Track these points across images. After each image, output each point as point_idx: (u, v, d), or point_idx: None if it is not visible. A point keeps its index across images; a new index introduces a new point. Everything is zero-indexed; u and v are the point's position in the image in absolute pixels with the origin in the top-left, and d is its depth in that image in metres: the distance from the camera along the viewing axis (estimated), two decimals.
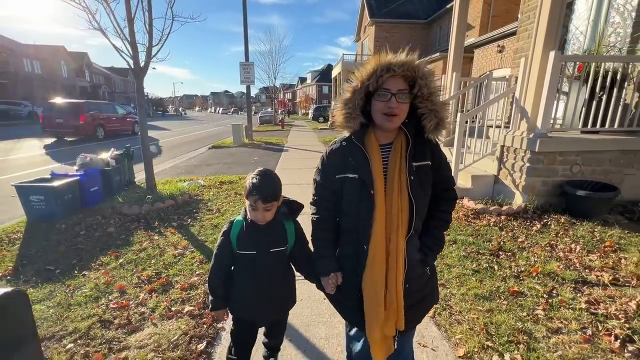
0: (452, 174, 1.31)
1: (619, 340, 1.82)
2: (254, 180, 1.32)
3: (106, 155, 5.21)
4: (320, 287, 1.33)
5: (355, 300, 1.21)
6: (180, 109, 71.64)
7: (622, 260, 2.68)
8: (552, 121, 3.98)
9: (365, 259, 1.15)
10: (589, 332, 1.91)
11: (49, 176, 4.43)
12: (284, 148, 11.16)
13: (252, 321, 1.49)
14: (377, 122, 1.12)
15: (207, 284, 1.54)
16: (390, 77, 1.05)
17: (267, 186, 1.32)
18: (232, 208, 4.47)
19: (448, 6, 17.24)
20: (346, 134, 1.20)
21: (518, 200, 3.99)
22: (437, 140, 1.20)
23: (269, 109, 33.35)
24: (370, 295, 1.14)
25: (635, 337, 1.83)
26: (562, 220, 3.48)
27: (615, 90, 3.86)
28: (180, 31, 4.84)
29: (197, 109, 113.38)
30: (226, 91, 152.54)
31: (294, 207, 1.45)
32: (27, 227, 3.81)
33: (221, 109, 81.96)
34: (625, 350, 1.77)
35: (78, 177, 4.39)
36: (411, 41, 16.56)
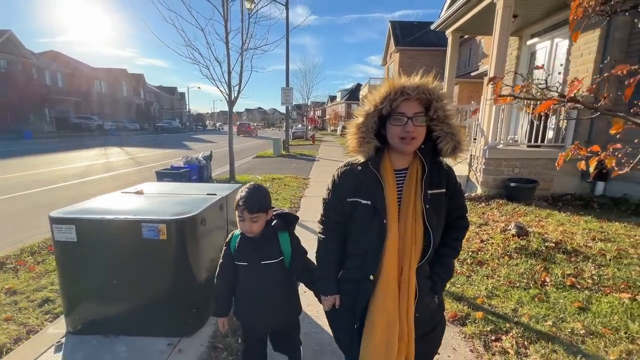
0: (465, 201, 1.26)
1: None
2: (242, 193, 1.39)
3: (200, 155, 7.69)
4: (318, 297, 1.35)
5: (352, 327, 1.20)
6: (218, 124, 77.58)
7: (519, 218, 4.51)
8: (509, 138, 5.85)
9: (371, 289, 1.11)
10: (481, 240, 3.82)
11: (170, 168, 6.91)
12: (316, 158, 13.43)
13: (252, 327, 1.55)
14: (394, 146, 1.09)
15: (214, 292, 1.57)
16: (405, 101, 1.04)
17: (253, 198, 1.37)
18: (283, 191, 6.67)
19: (466, 36, 19.12)
20: (361, 158, 1.15)
21: (478, 191, 5.84)
22: (453, 162, 1.19)
23: (299, 125, 36.23)
24: (382, 329, 1.08)
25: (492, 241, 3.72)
26: (501, 202, 5.31)
27: (549, 118, 5.70)
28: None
29: None
30: (259, 108, 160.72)
31: (289, 219, 1.50)
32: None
33: (255, 124, 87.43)
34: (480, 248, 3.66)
35: (188, 169, 6.83)
36: (433, 66, 18.56)
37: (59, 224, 1.98)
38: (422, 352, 1.16)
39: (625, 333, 2.14)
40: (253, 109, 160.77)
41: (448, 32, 8.07)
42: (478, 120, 6.32)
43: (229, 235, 1.52)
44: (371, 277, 1.11)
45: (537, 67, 1.83)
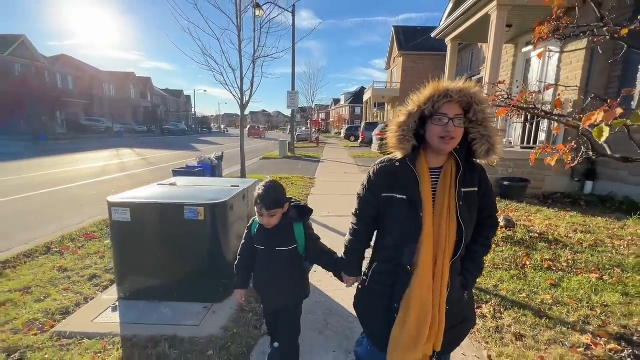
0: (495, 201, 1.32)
1: None
2: (259, 191, 1.51)
3: (212, 156, 8.16)
4: (338, 276, 1.51)
5: (381, 317, 1.27)
6: (223, 126, 78.51)
7: (510, 213, 4.90)
8: (505, 140, 6.24)
9: (408, 279, 1.17)
10: None
11: (185, 167, 7.37)
12: (321, 160, 13.85)
13: (265, 302, 1.74)
14: (434, 144, 1.15)
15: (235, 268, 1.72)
16: (447, 103, 1.10)
17: (270, 196, 1.50)
18: (290, 190, 7.09)
19: (466, 42, 19.52)
20: (399, 155, 1.21)
21: None
22: (488, 165, 1.23)
23: (304, 128, 36.75)
24: (418, 315, 1.15)
25: None
26: (496, 199, 5.69)
27: (540, 122, 6.08)
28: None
29: (235, 126, 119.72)
30: (264, 111, 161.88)
31: (304, 211, 1.63)
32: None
33: (262, 127, 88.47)
34: None
35: (202, 168, 7.28)
36: (436, 70, 18.97)
37: (117, 207, 2.43)
38: (449, 342, 1.22)
39: (587, 303, 2.53)
40: (257, 111, 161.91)
41: (447, 40, 8.48)
42: None
43: (251, 220, 1.68)
44: (408, 268, 1.17)
45: (523, 84, 2.24)
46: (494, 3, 5.87)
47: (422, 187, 1.15)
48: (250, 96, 7.02)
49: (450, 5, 8.16)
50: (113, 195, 2.54)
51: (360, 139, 21.56)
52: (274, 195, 1.51)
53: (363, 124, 24.08)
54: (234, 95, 6.94)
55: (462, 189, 1.16)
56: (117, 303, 2.52)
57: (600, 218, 4.60)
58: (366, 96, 28.70)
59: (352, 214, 1.39)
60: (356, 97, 54.86)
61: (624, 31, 2.16)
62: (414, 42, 23.99)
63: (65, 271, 3.14)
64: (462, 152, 1.18)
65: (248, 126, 38.45)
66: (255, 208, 1.52)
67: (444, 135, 1.11)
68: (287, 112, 17.39)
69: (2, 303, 2.55)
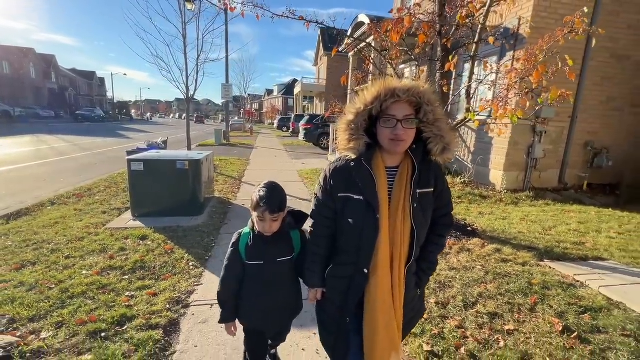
0: (451, 199, 1.31)
1: None
2: (261, 193, 1.34)
3: (158, 140, 9.53)
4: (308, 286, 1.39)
5: (337, 328, 1.25)
6: (149, 114, 72.67)
7: None
8: None
9: (364, 283, 1.15)
10: None
11: (136, 149, 8.67)
12: (255, 147, 15.73)
13: (260, 329, 1.54)
14: (385, 146, 1.12)
15: (216, 297, 1.47)
16: (395, 103, 1.07)
17: (274, 198, 1.34)
18: (230, 167, 9.01)
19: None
20: (352, 155, 1.17)
21: None
22: (443, 163, 1.20)
23: (236, 118, 37.39)
24: (386, 320, 1.14)
25: None
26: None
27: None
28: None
29: (158, 114, 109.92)
30: (192, 98, 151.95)
31: (300, 217, 1.49)
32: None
33: (195, 116, 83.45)
34: None
35: (152, 150, 8.68)
36: (359, 69, 22.16)
37: (134, 161, 4.25)
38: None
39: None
40: (184, 98, 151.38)
41: (349, 55, 11.18)
42: None
43: (235, 236, 1.47)
44: (365, 271, 1.15)
45: None
46: (372, 37, 8.60)
47: (379, 188, 1.13)
48: (195, 90, 8.69)
49: (350, 30, 10.85)
50: (131, 156, 4.34)
51: (291, 129, 23.84)
52: (279, 197, 1.38)
53: (293, 115, 26.38)
54: (180, 90, 8.51)
55: (417, 190, 1.15)
56: (134, 219, 4.36)
57: None
58: (296, 90, 31.07)
59: (310, 215, 1.33)
60: (289, 89, 55.97)
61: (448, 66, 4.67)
62: (341, 42, 26.97)
63: (80, 211, 4.74)
64: (418, 152, 1.15)
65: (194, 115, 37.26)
66: (255, 213, 1.36)
67: (393, 138, 1.08)
68: (218, 101, 18.65)
69: (55, 222, 4.15)
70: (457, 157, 7.84)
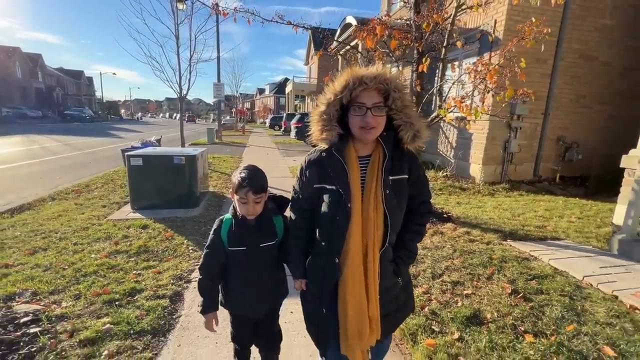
0: (429, 188, 1.31)
1: None
2: (242, 175, 1.35)
3: (152, 139, 9.72)
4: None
5: (318, 317, 1.26)
6: (139, 114, 71.93)
7: None
8: None
9: (336, 272, 1.17)
10: None
11: (131, 147, 8.87)
12: (247, 145, 15.96)
13: (245, 314, 1.52)
14: (355, 134, 1.14)
15: (197, 286, 1.45)
16: (364, 91, 1.09)
17: (256, 178, 1.35)
18: (223, 164, 9.28)
19: None
20: (324, 145, 1.19)
21: None
22: (417, 151, 1.22)
23: (228, 117, 37.41)
24: (355, 309, 1.14)
25: None
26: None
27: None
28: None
29: (149, 114, 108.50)
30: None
31: (281, 202, 1.49)
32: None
33: (179, 115, 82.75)
34: None
35: (146, 148, 8.89)
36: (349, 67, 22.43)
37: (134, 157, 4.52)
38: (384, 330, 1.23)
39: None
40: (174, 98, 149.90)
41: (339, 55, 11.50)
42: None
43: (217, 222, 1.45)
44: (337, 260, 1.16)
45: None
46: (356, 40, 8.97)
47: (351, 177, 1.14)
48: (189, 89, 8.93)
49: (338, 31, 11.19)
50: (130, 152, 4.60)
51: (283, 127, 24.10)
52: (260, 177, 1.37)
53: (285, 114, 26.63)
54: (173, 90, 8.74)
55: (390, 177, 1.16)
56: (133, 211, 4.63)
57: None
58: (288, 89, 31.29)
59: (289, 208, 1.37)
60: (280, 88, 56.04)
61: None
62: (328, 43, 27.29)
63: (81, 205, 4.98)
64: (388, 140, 1.17)
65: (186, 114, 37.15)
66: (237, 195, 1.35)
67: (364, 125, 1.10)
68: (209, 100, 18.82)
69: (58, 214, 4.40)
70: (440, 152, 8.26)
